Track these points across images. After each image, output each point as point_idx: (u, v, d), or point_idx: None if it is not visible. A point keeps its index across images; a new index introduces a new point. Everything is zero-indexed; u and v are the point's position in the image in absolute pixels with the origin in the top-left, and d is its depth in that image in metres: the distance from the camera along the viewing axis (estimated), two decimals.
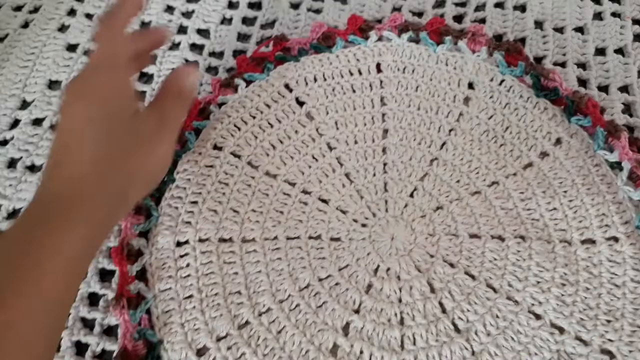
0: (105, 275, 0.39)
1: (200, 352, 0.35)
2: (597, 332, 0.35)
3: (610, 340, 0.35)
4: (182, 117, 0.38)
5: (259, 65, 0.46)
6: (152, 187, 0.37)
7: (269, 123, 0.43)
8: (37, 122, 0.46)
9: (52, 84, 0.49)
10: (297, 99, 0.45)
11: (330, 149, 0.42)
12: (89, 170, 0.31)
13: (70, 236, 0.29)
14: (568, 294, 0.36)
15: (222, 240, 0.39)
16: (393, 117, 0.44)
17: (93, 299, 0.38)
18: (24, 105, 0.47)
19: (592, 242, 0.38)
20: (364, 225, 0.39)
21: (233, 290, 0.37)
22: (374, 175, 0.41)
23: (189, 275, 0.37)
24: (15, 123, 0.46)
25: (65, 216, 0.30)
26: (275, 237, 0.39)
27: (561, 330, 0.35)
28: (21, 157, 0.44)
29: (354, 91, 0.45)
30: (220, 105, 0.44)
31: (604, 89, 0.46)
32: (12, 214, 0.42)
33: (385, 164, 0.42)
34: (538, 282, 0.37)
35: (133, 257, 0.38)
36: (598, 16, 0.51)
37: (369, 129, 0.43)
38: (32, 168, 0.44)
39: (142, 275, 0.38)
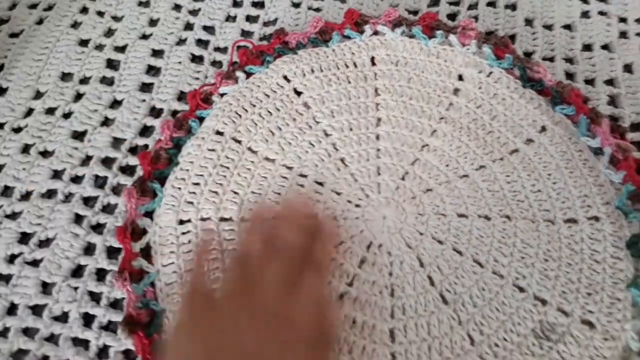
0: (112, 253, 0.41)
1: None
2: (578, 304, 0.37)
3: (591, 312, 0.36)
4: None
5: (259, 58, 0.48)
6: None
7: (268, 111, 0.46)
8: (50, 111, 0.49)
9: (65, 76, 0.52)
10: (294, 89, 0.47)
11: (326, 135, 0.45)
12: None
13: None
14: (551, 269, 0.38)
15: (223, 219, 0.41)
16: (386, 107, 0.46)
17: (100, 275, 0.40)
18: (38, 95, 0.50)
19: (575, 221, 0.40)
20: (357, 206, 0.41)
21: None
22: (368, 160, 0.44)
23: (190, 251, 0.39)
24: (29, 112, 0.49)
25: None
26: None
27: (544, 302, 0.37)
28: (34, 143, 0.47)
29: (349, 82, 0.47)
30: (222, 95, 0.47)
31: (590, 82, 0.49)
32: (25, 196, 0.44)
33: (378, 150, 0.44)
34: (522, 258, 0.39)
35: (138, 235, 0.40)
36: (585, 14, 0.54)
37: (363, 117, 0.46)
38: (45, 153, 0.47)
39: (147, 253, 0.40)
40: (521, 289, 0.38)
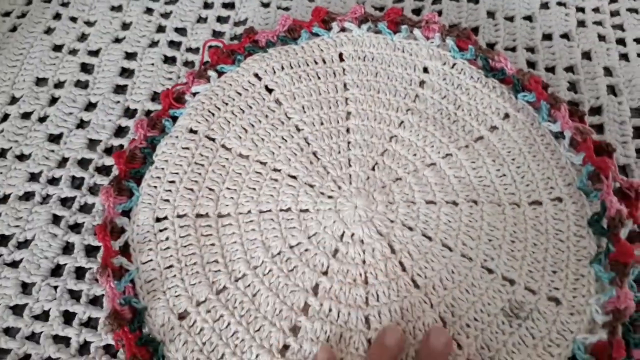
0: (90, 251, 0.42)
1: (182, 315, 0.38)
2: (544, 282, 0.38)
3: (556, 289, 0.38)
4: None
5: (230, 57, 0.49)
6: None
7: (241, 109, 0.47)
8: (26, 115, 0.50)
9: (39, 81, 0.52)
10: (266, 87, 0.48)
11: (298, 130, 0.46)
12: None
13: None
14: (517, 250, 0.40)
15: (199, 215, 0.42)
16: (355, 101, 0.47)
17: (79, 273, 0.41)
18: (13, 100, 0.51)
19: (539, 203, 0.42)
20: (330, 197, 0.42)
21: (210, 260, 0.40)
22: (339, 152, 0.45)
23: (168, 248, 0.40)
24: (4, 117, 0.50)
25: None
26: (249, 211, 0.42)
27: (512, 282, 0.38)
28: (11, 147, 0.47)
29: (318, 78, 0.48)
30: (194, 94, 0.48)
31: (551, 69, 0.51)
32: (3, 199, 0.45)
33: (349, 142, 0.45)
34: (490, 241, 0.40)
35: (116, 233, 0.41)
36: (545, 5, 0.56)
37: (333, 111, 0.47)
38: (21, 157, 0.47)
39: (125, 251, 0.40)
40: (490, 271, 0.39)
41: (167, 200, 0.42)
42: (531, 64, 0.51)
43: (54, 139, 0.48)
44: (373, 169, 0.44)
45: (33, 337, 0.39)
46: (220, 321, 0.37)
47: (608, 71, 0.51)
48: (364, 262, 0.39)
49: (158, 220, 0.41)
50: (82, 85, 0.52)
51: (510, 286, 0.38)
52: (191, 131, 0.45)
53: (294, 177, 0.43)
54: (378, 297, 0.38)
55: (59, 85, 0.52)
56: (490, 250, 0.40)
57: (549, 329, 0.36)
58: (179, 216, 0.42)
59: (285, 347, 0.36)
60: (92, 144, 0.48)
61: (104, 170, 0.46)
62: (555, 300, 0.38)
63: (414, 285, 0.38)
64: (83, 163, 0.47)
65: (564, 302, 0.37)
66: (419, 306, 0.38)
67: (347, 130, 0.46)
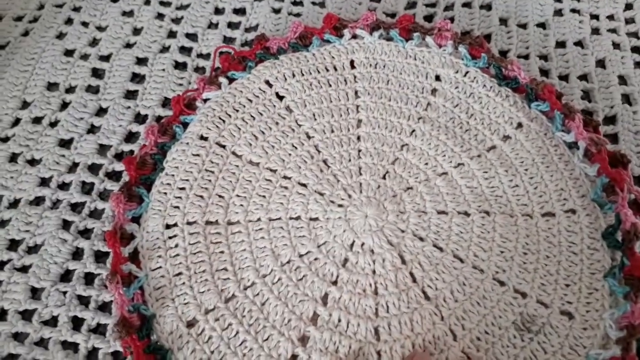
0: (100, 257, 0.42)
1: (190, 323, 0.37)
2: (557, 295, 0.38)
3: (569, 302, 0.37)
4: None
5: (241, 64, 0.49)
6: None
7: (251, 116, 0.47)
8: (37, 120, 0.50)
9: (51, 86, 0.52)
10: (277, 94, 0.48)
11: (309, 137, 0.46)
12: None
13: None
14: (530, 262, 0.39)
15: (209, 222, 0.42)
16: (366, 109, 0.47)
17: (88, 279, 0.41)
18: (25, 105, 0.51)
19: (552, 214, 0.41)
20: (340, 206, 0.42)
21: (219, 268, 0.39)
22: (350, 160, 0.44)
23: (177, 255, 0.40)
24: (16, 122, 0.50)
25: None
26: (259, 219, 0.42)
27: (524, 294, 0.38)
28: (22, 152, 0.48)
29: (330, 85, 0.48)
30: (205, 101, 0.48)
31: (564, 78, 0.50)
32: (14, 204, 0.45)
33: (359, 151, 0.45)
34: (502, 252, 0.40)
35: (126, 240, 0.41)
36: (559, 12, 0.55)
37: (344, 119, 0.46)
38: (32, 162, 0.47)
39: (134, 257, 0.40)
40: (501, 283, 0.38)
41: (177, 207, 0.42)
42: (544, 72, 0.51)
43: (65, 144, 0.48)
44: (384, 177, 0.44)
45: (42, 343, 0.39)
46: (228, 330, 0.37)
47: (623, 80, 0.50)
48: (374, 272, 0.39)
49: (168, 227, 0.41)
50: (93, 90, 0.52)
51: (522, 299, 0.38)
52: (202, 138, 0.45)
53: (304, 185, 0.43)
54: (388, 308, 0.38)
55: (70, 90, 0.52)
56: (502, 262, 0.39)
57: (562, 343, 0.36)
58: (189, 223, 0.41)
59: (294, 357, 0.36)
60: (103, 149, 0.48)
61: (114, 175, 0.46)
62: (568, 315, 0.37)
63: (425, 296, 0.38)
64: (93, 168, 0.47)
65: (577, 316, 0.37)
66: (429, 318, 0.37)
67: (358, 138, 0.46)
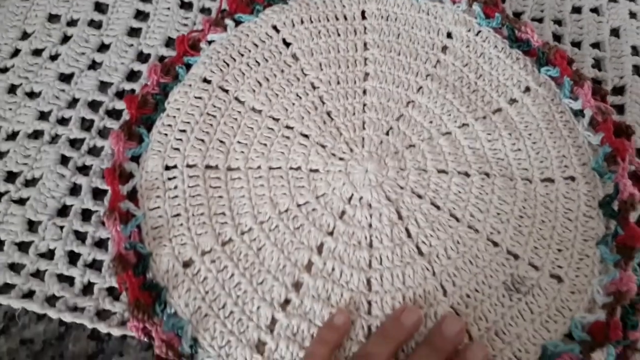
0: (98, 194, 0.42)
1: (186, 263, 0.38)
2: (549, 259, 0.38)
3: (560, 267, 0.38)
4: None
5: (249, 7, 0.48)
6: None
7: (256, 61, 0.46)
8: (37, 52, 0.49)
9: (52, 18, 0.51)
10: (283, 40, 0.47)
11: (314, 88, 0.45)
12: None
13: None
14: (525, 226, 0.39)
15: (209, 167, 0.42)
16: (374, 62, 0.46)
17: (86, 215, 0.41)
18: (25, 36, 0.50)
19: (551, 180, 0.41)
20: (341, 159, 0.42)
21: (217, 212, 0.40)
22: (354, 114, 0.44)
23: (176, 197, 0.40)
24: (15, 52, 0.49)
25: None
26: (259, 167, 0.42)
27: (516, 256, 0.39)
28: (21, 84, 0.47)
29: (338, 35, 0.47)
30: (209, 43, 0.47)
31: (576, 44, 0.50)
32: (12, 136, 0.45)
33: (364, 105, 0.45)
34: (498, 214, 0.40)
35: (124, 178, 0.41)
36: None
37: (351, 71, 0.46)
38: (31, 95, 0.47)
39: (132, 196, 0.40)
40: (495, 244, 0.39)
41: (177, 149, 0.42)
42: (557, 37, 0.50)
43: (65, 78, 0.48)
44: (387, 133, 0.43)
45: (38, 275, 0.39)
46: (224, 271, 0.37)
47: (636, 50, 0.49)
48: (370, 225, 0.39)
49: (167, 168, 0.41)
50: (95, 25, 0.51)
51: (514, 261, 0.38)
52: (205, 80, 0.45)
53: (306, 136, 0.43)
54: (381, 261, 0.38)
55: (71, 23, 0.51)
56: (498, 223, 0.40)
57: (549, 305, 0.37)
58: (189, 166, 0.41)
59: (287, 301, 0.37)
60: (104, 86, 0.47)
61: (114, 114, 0.46)
62: (557, 278, 0.38)
63: (419, 252, 0.39)
64: (94, 105, 0.46)
65: (566, 280, 0.38)
66: (421, 273, 0.38)
67: (364, 92, 0.45)
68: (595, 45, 0.49)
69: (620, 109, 0.46)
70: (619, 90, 0.47)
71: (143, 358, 0.37)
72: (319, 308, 0.36)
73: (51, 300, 0.38)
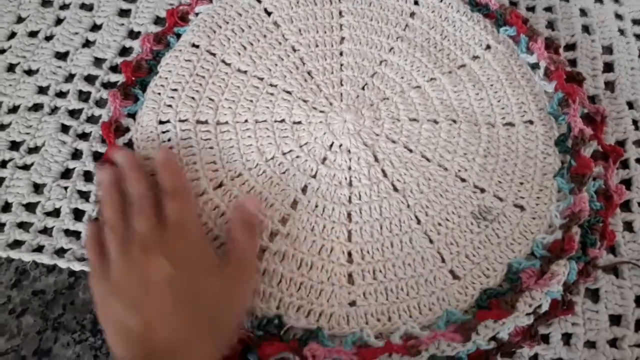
0: (98, 158, 0.44)
1: None
2: (512, 191, 0.42)
3: (522, 197, 0.42)
4: (255, 249, 0.39)
5: None
6: (239, 323, 0.36)
7: (241, 28, 0.50)
8: (33, 34, 0.52)
9: (45, 3, 0.54)
10: (265, 10, 0.51)
11: (294, 50, 0.49)
12: (179, 341, 0.32)
13: None
14: (489, 163, 0.44)
15: (199, 122, 0.45)
16: (349, 27, 0.50)
17: (88, 176, 0.44)
18: (20, 20, 0.53)
19: (512, 124, 0.46)
20: (321, 112, 0.46)
21: (209, 160, 0.43)
22: (332, 73, 0.48)
23: (170, 148, 0.43)
24: (12, 35, 0.52)
25: None
26: (246, 121, 0.45)
27: (482, 190, 0.43)
28: (19, 62, 0.50)
29: (315, 4, 0.51)
30: (197, 15, 0.50)
31: (531, 9, 0.54)
32: (13, 110, 0.48)
33: (341, 64, 0.49)
34: (465, 154, 0.44)
35: (121, 132, 0.44)
36: None
37: (328, 35, 0.50)
38: (29, 72, 0.50)
39: (129, 148, 0.44)
40: (462, 179, 0.43)
41: (170, 106, 0.45)
42: (513, 4, 0.54)
43: (61, 56, 0.50)
44: (363, 88, 0.47)
45: (46, 232, 0.42)
46: (216, 210, 0.41)
47: (583, 12, 0.54)
48: (349, 168, 0.43)
49: (161, 122, 0.45)
50: (87, 8, 0.53)
51: (481, 193, 0.42)
52: (194, 45, 0.48)
53: (289, 93, 0.47)
54: (360, 197, 0.42)
55: (64, 7, 0.53)
56: (465, 162, 0.44)
57: (513, 230, 0.41)
58: (181, 121, 0.45)
59: (274, 233, 0.40)
60: (98, 62, 0.50)
61: (110, 86, 0.48)
62: (520, 207, 0.42)
63: (394, 188, 0.42)
64: (90, 79, 0.49)
65: (527, 208, 0.42)
66: (397, 206, 0.41)
67: (341, 54, 0.49)
68: (548, 9, 0.54)
69: (573, 63, 0.50)
70: (570, 47, 0.52)
71: None
72: (303, 237, 0.40)
73: (60, 252, 0.41)
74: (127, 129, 0.44)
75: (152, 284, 0.33)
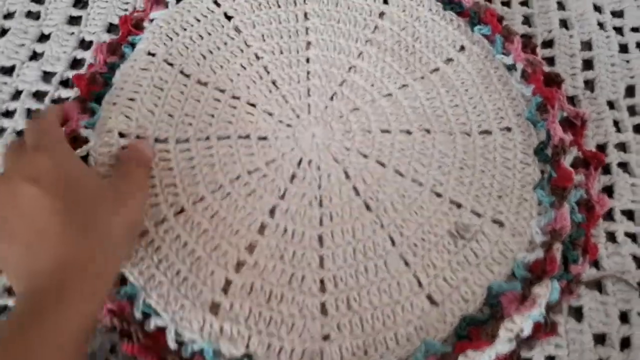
0: None
1: (140, 234, 0.38)
2: (490, 206, 0.40)
3: (500, 212, 0.40)
4: (146, 179, 0.39)
5: None
6: (130, 243, 0.37)
7: (200, 35, 0.46)
8: None
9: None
10: (225, 14, 0.48)
11: (258, 58, 0.46)
12: (65, 257, 0.31)
13: (64, 327, 0.29)
14: (466, 176, 0.41)
15: (158, 140, 0.42)
16: (315, 31, 0.47)
17: None
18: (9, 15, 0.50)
19: (489, 132, 0.43)
20: (288, 126, 0.43)
21: (169, 183, 0.40)
22: (298, 82, 0.45)
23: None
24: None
25: (54, 311, 0.29)
26: (207, 137, 0.42)
27: (459, 205, 0.40)
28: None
29: (279, 7, 0.48)
30: (152, 21, 0.47)
31: (506, 4, 0.52)
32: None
33: (308, 72, 0.46)
34: (440, 167, 0.42)
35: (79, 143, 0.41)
36: None
37: (293, 41, 0.47)
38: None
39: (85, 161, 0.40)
40: (438, 195, 0.41)
41: (128, 117, 0.42)
42: (488, 0, 0.52)
43: (6, 71, 0.47)
44: (332, 98, 0.45)
45: None
46: (177, 240, 0.38)
47: (561, 5, 0.52)
48: (319, 187, 0.41)
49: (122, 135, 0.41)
50: (33, 16, 0.50)
51: (457, 209, 0.40)
52: (149, 54, 0.45)
53: (253, 105, 0.44)
54: (332, 218, 0.40)
55: (8, 16, 0.50)
56: (440, 176, 0.41)
57: (492, 249, 0.39)
58: (139, 138, 0.42)
59: (241, 263, 0.38)
60: (47, 76, 0.47)
61: (60, 102, 0.45)
62: (499, 223, 0.40)
63: (366, 207, 0.40)
64: (38, 95, 0.46)
65: (507, 224, 0.40)
66: (370, 226, 0.39)
67: (307, 60, 0.46)
68: (524, 4, 0.51)
69: (550, 61, 0.48)
70: (548, 44, 0.49)
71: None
72: (272, 266, 0.37)
73: None
74: (86, 140, 0.41)
75: (25, 213, 0.32)
